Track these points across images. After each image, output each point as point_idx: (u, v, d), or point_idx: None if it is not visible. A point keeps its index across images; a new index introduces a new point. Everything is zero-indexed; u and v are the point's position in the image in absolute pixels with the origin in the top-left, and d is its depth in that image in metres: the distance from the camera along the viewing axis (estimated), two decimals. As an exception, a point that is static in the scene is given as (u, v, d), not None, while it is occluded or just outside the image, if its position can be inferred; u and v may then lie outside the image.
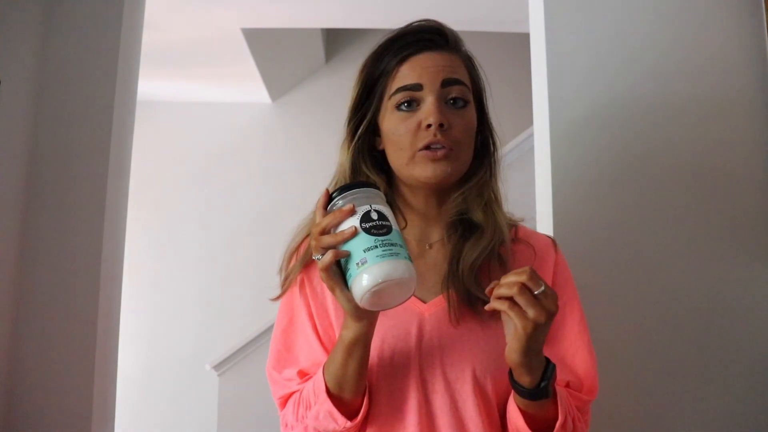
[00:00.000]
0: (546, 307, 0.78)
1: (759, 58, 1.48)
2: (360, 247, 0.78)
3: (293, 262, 1.00)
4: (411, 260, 0.80)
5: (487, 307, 0.81)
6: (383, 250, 0.78)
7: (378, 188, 0.86)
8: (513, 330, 0.81)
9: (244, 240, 4.49)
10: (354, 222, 0.80)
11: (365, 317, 0.84)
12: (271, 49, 3.97)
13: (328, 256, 0.79)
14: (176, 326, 4.47)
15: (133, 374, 4.13)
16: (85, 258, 1.45)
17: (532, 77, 1.58)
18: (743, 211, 1.45)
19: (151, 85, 4.14)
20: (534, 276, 0.79)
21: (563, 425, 0.86)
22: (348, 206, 0.81)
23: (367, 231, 0.79)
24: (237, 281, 4.39)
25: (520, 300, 0.78)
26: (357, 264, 0.78)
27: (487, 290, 0.82)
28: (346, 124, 1.00)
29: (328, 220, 0.81)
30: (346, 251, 0.79)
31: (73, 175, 1.47)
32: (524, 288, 0.78)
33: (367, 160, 1.00)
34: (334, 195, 0.84)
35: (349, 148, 0.99)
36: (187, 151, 4.68)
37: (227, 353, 3.63)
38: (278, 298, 1.00)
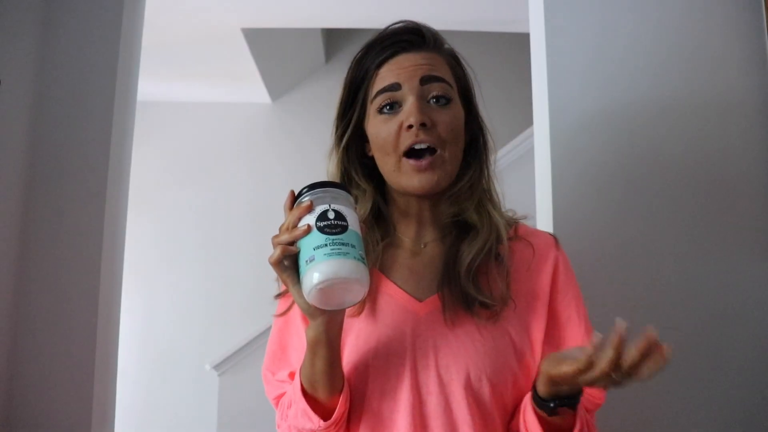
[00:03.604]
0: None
1: (759, 58, 1.48)
2: (311, 244, 0.79)
3: None
4: (364, 262, 0.80)
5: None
6: (332, 249, 0.78)
7: (347, 190, 0.86)
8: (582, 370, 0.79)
9: (243, 240, 4.49)
10: (310, 220, 0.80)
11: (320, 315, 0.83)
12: (271, 49, 3.97)
13: (277, 251, 0.80)
14: (176, 326, 4.46)
15: (133, 374, 4.13)
16: (85, 258, 1.45)
17: (532, 77, 1.57)
18: (743, 210, 1.45)
19: (151, 85, 4.14)
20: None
21: None
22: (305, 203, 0.81)
23: (320, 229, 0.79)
24: (237, 281, 4.39)
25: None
26: (306, 261, 0.79)
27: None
28: (333, 132, 1.00)
29: (288, 218, 0.82)
30: (294, 248, 0.80)
31: (73, 175, 1.47)
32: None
33: (357, 168, 1.00)
34: (302, 191, 0.84)
35: (337, 156, 0.99)
36: (187, 151, 4.68)
37: (227, 353, 3.64)
38: (277, 297, 1.01)
